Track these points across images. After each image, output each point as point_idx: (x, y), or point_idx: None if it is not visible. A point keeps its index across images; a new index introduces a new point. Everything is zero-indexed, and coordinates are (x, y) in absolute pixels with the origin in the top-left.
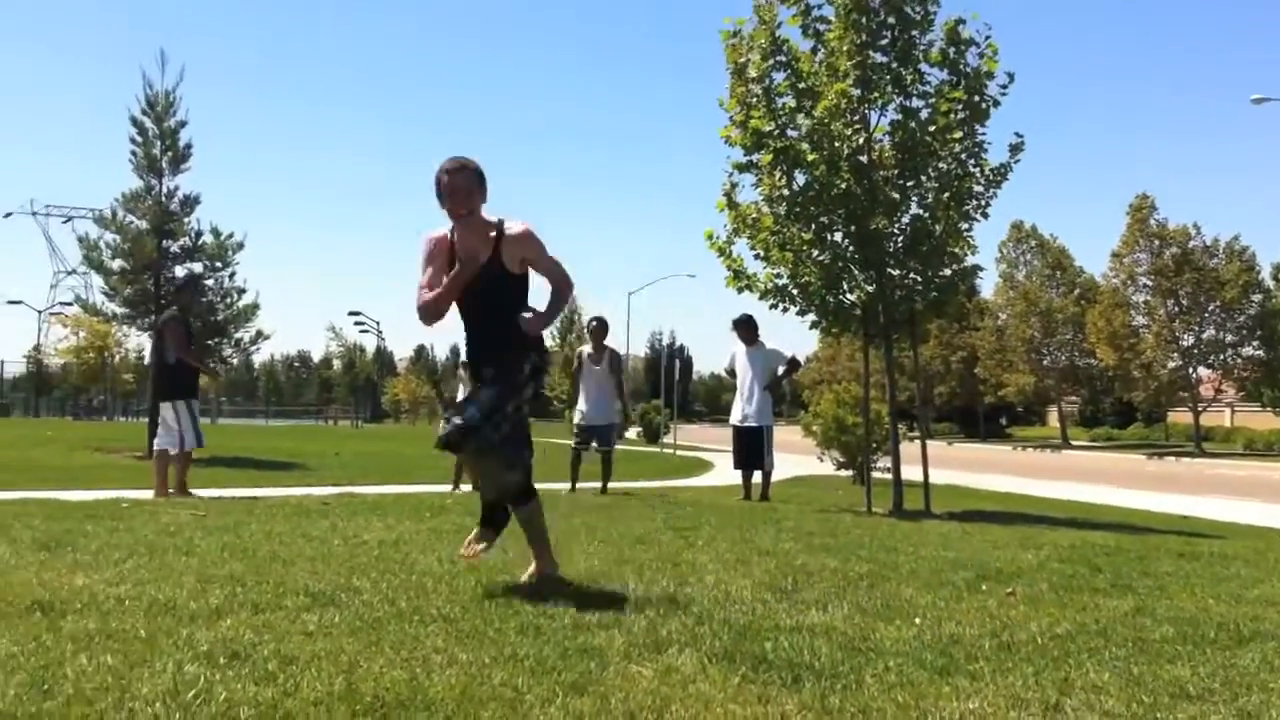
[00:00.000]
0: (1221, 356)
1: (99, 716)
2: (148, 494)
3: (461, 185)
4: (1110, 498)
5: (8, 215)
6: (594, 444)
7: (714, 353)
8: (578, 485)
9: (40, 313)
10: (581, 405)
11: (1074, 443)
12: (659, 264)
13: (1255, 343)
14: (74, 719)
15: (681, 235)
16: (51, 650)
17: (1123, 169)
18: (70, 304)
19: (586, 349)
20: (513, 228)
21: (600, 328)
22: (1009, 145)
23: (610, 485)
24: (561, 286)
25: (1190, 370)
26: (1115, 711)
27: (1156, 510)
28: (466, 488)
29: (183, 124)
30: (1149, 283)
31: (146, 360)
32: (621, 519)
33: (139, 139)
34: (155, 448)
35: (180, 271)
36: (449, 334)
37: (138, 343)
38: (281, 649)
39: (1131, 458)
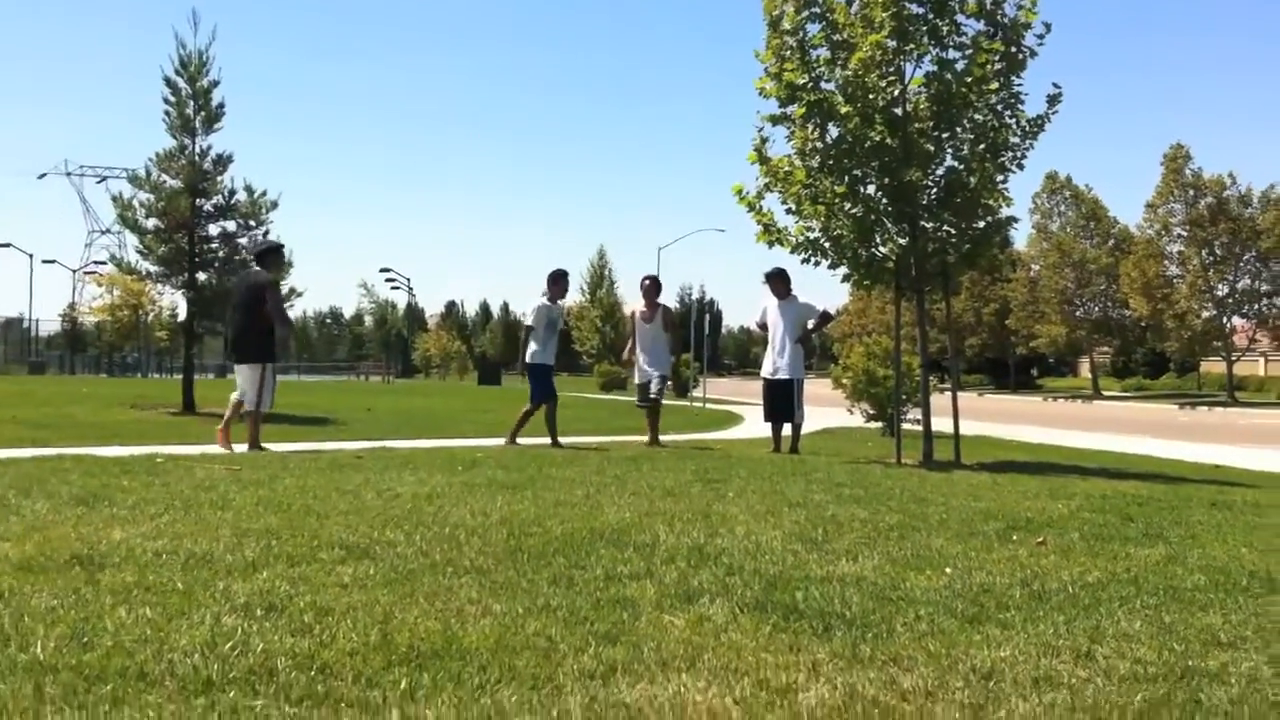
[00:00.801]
0: (1256, 306)
1: (138, 668)
2: (183, 449)
3: None
4: (1142, 448)
5: (42, 176)
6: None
7: (744, 307)
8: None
9: (74, 272)
10: (640, 363)
11: (1105, 393)
12: (689, 218)
13: None
14: (114, 670)
15: (712, 189)
16: (91, 603)
17: (1158, 118)
18: (104, 263)
19: (640, 307)
20: None
21: (653, 286)
22: (1046, 96)
23: (631, 438)
24: None
25: (1224, 320)
26: (1146, 659)
27: (1189, 460)
28: (524, 441)
29: (215, 84)
30: (1184, 233)
31: (190, 317)
32: (651, 471)
33: (172, 99)
34: (233, 398)
35: (214, 230)
36: (480, 289)
37: (171, 300)
38: (317, 601)
39: (1163, 408)
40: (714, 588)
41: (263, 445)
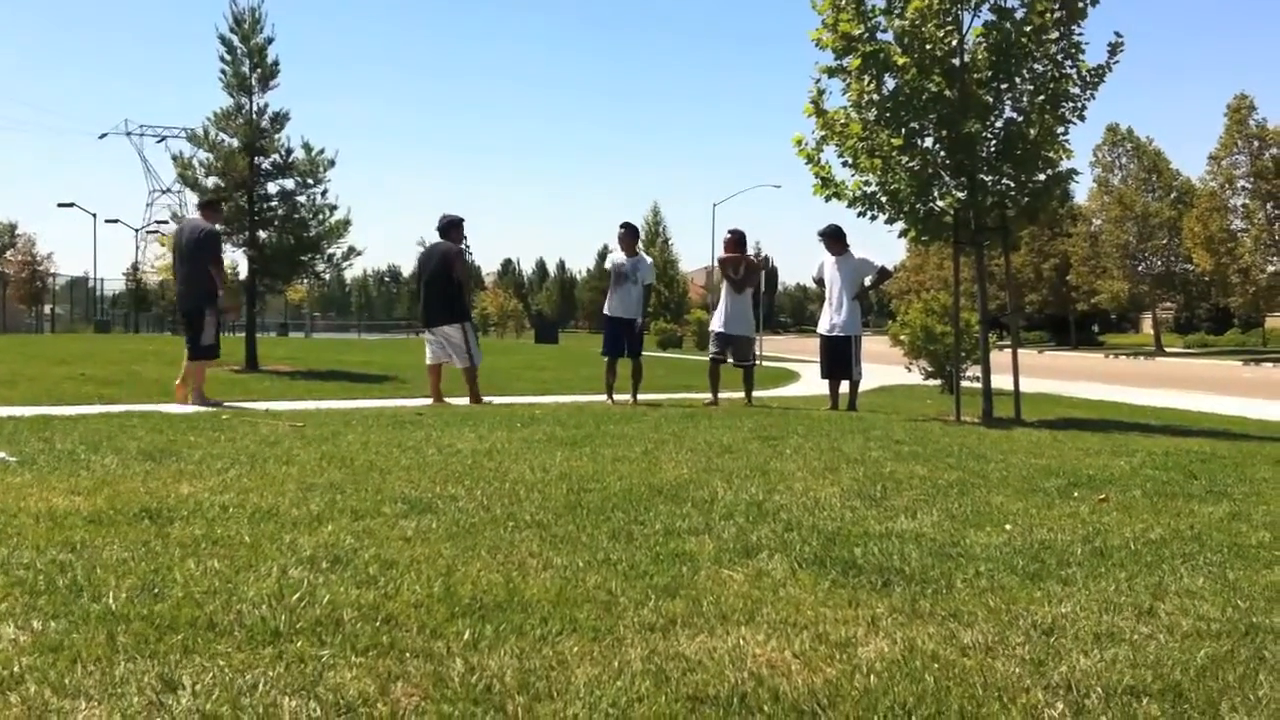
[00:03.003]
0: None
1: (208, 618)
2: (247, 405)
3: None
4: (1205, 404)
5: (103, 136)
6: (730, 358)
7: (799, 264)
8: (719, 396)
9: (137, 231)
10: (719, 315)
11: (1168, 349)
12: (744, 174)
13: None
14: (184, 620)
15: (767, 145)
16: (160, 555)
17: (1222, 68)
18: (166, 222)
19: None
20: None
21: (734, 240)
22: (1107, 45)
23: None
24: None
25: None
26: (1210, 616)
27: (1253, 417)
28: (623, 397)
29: (270, 40)
30: (1248, 185)
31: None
32: (709, 428)
33: (228, 57)
34: (429, 362)
35: (273, 188)
36: (536, 247)
37: (232, 259)
38: (381, 554)
39: (1227, 364)
40: (772, 543)
41: (483, 399)
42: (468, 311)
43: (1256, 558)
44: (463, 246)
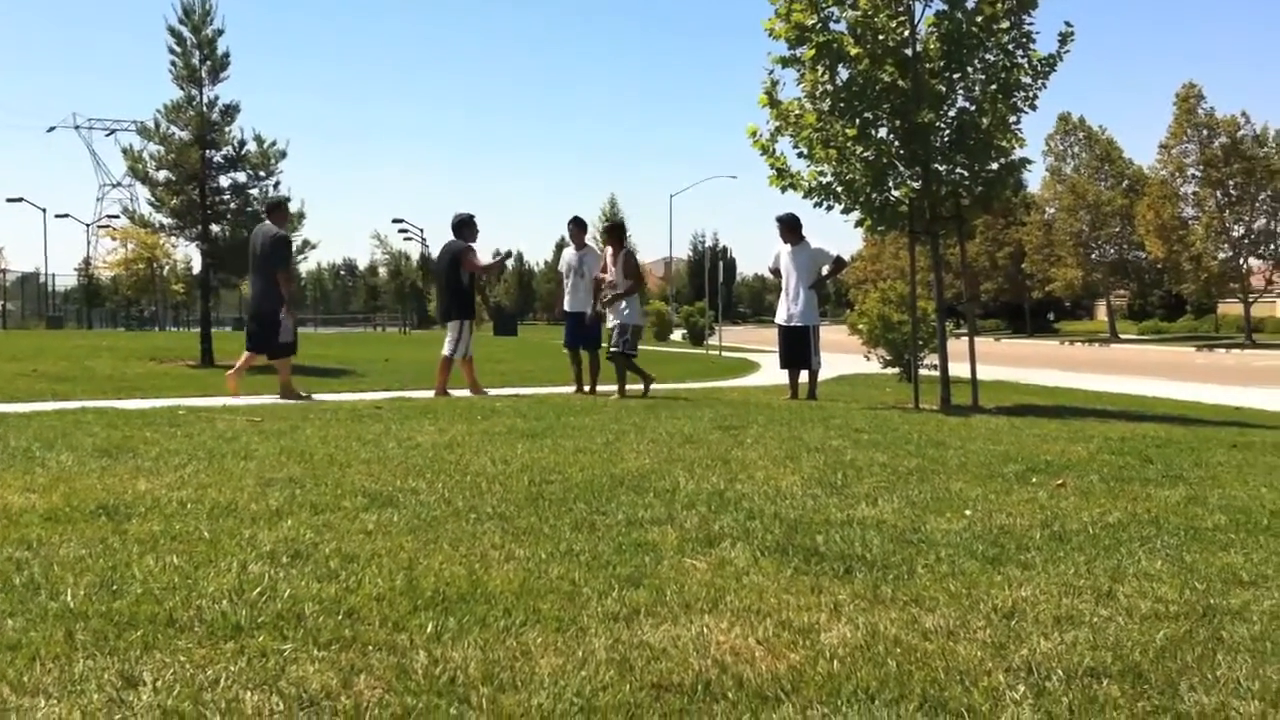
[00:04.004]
0: (1272, 246)
1: (168, 614)
2: (204, 401)
3: None
4: (1160, 390)
5: (51, 130)
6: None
7: (757, 254)
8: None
9: (88, 226)
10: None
11: (1122, 336)
12: (701, 165)
13: None
14: (144, 616)
15: (723, 136)
16: (118, 552)
17: (1171, 57)
18: (117, 216)
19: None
20: None
21: (614, 228)
22: (1058, 34)
23: (652, 388)
24: None
25: (1240, 261)
26: (1168, 598)
27: (1208, 402)
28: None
29: (220, 32)
30: (1198, 174)
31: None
32: (669, 419)
33: (178, 49)
34: (444, 355)
35: (225, 182)
36: (493, 239)
37: (185, 254)
38: (342, 548)
39: (1181, 350)
40: (735, 532)
41: (447, 392)
42: (472, 310)
43: (1213, 540)
44: (473, 244)
